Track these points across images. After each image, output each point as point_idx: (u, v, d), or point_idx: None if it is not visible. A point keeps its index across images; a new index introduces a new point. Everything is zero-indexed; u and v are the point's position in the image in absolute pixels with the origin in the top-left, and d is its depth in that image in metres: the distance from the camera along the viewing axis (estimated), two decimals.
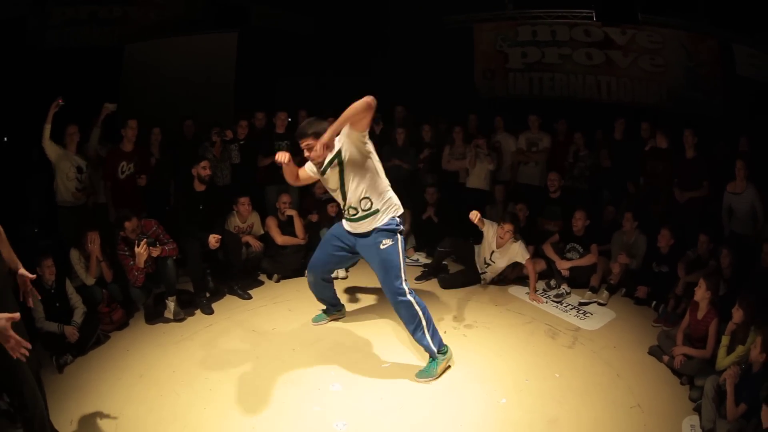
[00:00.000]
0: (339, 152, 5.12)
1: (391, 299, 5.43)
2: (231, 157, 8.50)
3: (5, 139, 8.57)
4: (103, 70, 9.46)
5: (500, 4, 11.10)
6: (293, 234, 7.94)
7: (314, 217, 8.31)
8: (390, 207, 5.34)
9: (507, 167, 9.52)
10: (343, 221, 5.62)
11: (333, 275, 7.26)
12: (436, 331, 5.55)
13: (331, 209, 8.25)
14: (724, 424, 4.52)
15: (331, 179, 5.31)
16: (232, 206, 7.71)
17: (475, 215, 7.02)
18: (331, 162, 5.20)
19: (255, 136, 8.79)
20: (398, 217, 5.40)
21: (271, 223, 7.91)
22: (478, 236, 8.01)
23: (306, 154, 5.20)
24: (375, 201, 5.27)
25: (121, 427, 4.74)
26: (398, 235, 5.39)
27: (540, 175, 9.26)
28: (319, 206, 8.40)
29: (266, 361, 5.74)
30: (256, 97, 10.20)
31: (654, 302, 7.08)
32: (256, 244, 7.75)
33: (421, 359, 5.73)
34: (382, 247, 5.32)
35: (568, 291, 7.48)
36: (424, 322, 5.40)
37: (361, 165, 5.14)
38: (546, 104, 10.56)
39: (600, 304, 7.22)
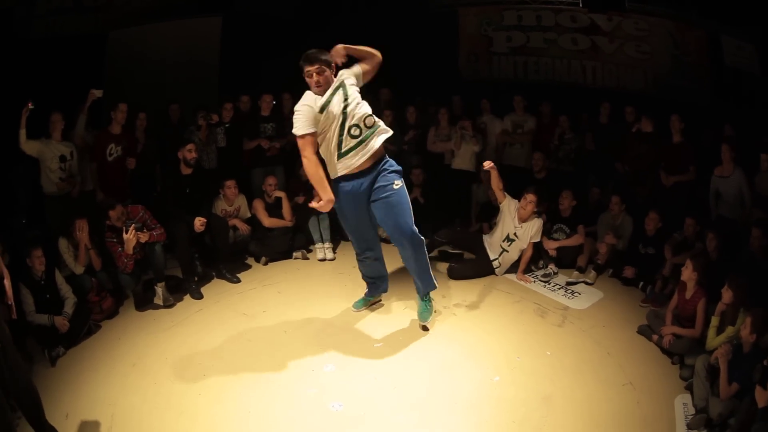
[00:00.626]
0: (342, 82, 5.29)
1: (404, 240, 5.52)
2: (217, 140, 8.45)
3: None
4: (88, 58, 9.36)
5: None
6: (280, 216, 7.93)
7: (300, 199, 8.26)
8: (381, 127, 5.45)
9: (492, 149, 9.52)
10: (340, 169, 5.43)
11: (321, 256, 7.27)
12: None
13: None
14: (717, 403, 4.58)
15: (335, 106, 5.24)
16: (219, 190, 7.68)
17: (488, 163, 7.02)
18: (335, 90, 5.27)
19: (240, 119, 8.74)
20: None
21: (258, 206, 7.89)
22: (465, 218, 8.05)
23: (314, 80, 5.22)
24: (376, 120, 5.39)
25: (116, 417, 4.74)
26: (401, 175, 5.55)
27: (525, 157, 9.26)
28: (306, 188, 8.37)
29: (258, 345, 5.75)
30: (240, 81, 10.12)
31: (641, 283, 7.13)
32: (244, 227, 7.73)
33: (411, 338, 5.82)
34: (395, 187, 5.43)
35: (556, 271, 7.52)
36: (427, 257, 5.74)
37: (357, 91, 5.37)
38: (531, 88, 10.51)
39: (587, 283, 7.27)
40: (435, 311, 6.10)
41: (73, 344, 5.83)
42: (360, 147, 5.34)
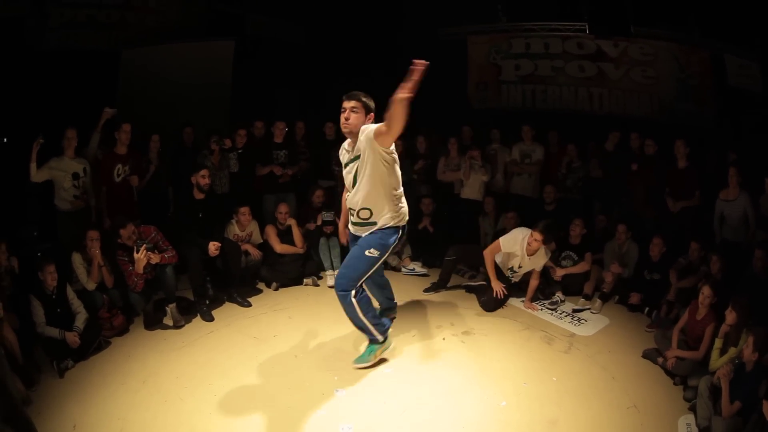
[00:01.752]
0: (360, 157, 5.13)
1: (337, 292, 5.45)
2: (229, 165, 8.54)
3: (5, 140, 8.58)
4: (101, 74, 9.52)
5: (494, 17, 11.20)
6: (292, 243, 8.02)
7: (312, 226, 8.37)
8: (389, 224, 5.36)
9: (500, 178, 9.60)
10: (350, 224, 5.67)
11: (331, 283, 7.48)
12: (378, 321, 5.70)
13: (327, 230, 8.23)
14: (719, 421, 4.63)
15: (347, 177, 5.40)
16: (231, 215, 7.77)
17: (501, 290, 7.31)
18: (352, 160, 5.26)
19: (253, 144, 8.84)
20: (401, 228, 5.46)
21: (270, 232, 7.98)
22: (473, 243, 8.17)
23: (344, 115, 5.11)
24: (375, 214, 5.33)
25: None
26: (387, 252, 5.44)
27: (533, 187, 9.36)
28: (316, 215, 8.47)
29: (269, 368, 5.80)
30: (253, 106, 10.25)
31: (647, 309, 7.20)
32: (255, 253, 7.81)
33: (420, 364, 5.89)
34: (367, 254, 5.33)
35: (563, 299, 7.59)
36: (368, 323, 5.55)
37: (374, 175, 5.13)
38: (539, 116, 10.64)
39: (592, 312, 7.32)
40: (381, 351, 5.86)
41: (83, 358, 5.89)
42: (357, 227, 5.51)
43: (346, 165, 5.37)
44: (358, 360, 5.78)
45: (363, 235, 5.46)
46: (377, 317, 5.73)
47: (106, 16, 9.72)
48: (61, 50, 9.25)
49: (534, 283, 7.49)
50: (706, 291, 5.77)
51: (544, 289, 7.79)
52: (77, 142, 7.31)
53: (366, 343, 5.85)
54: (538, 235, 7.13)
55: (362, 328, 5.62)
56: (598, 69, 10.61)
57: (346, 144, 5.41)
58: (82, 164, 7.37)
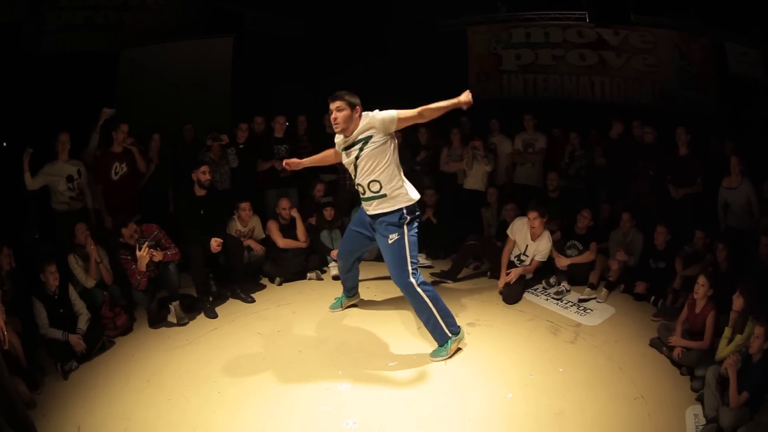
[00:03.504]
0: (366, 140, 5.38)
1: (401, 290, 5.75)
2: (229, 161, 8.53)
3: (4, 144, 8.57)
4: (99, 76, 9.51)
5: (493, 7, 11.18)
6: (294, 237, 7.99)
7: (313, 220, 8.36)
8: (399, 195, 5.55)
9: (502, 170, 9.59)
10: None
11: (335, 273, 7.56)
12: (448, 313, 5.85)
13: (327, 213, 8.30)
14: (727, 412, 4.59)
15: (348, 159, 5.59)
16: (233, 211, 7.75)
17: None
18: (353, 145, 5.46)
19: (254, 140, 8.81)
20: (406, 208, 5.57)
21: (273, 227, 7.95)
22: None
23: (332, 117, 5.43)
24: (384, 186, 5.49)
25: (130, 431, 4.77)
26: (404, 227, 5.58)
27: (537, 176, 9.35)
28: (318, 209, 8.44)
29: (273, 363, 5.78)
30: (253, 102, 10.22)
31: (653, 297, 7.17)
32: (258, 248, 7.80)
33: (424, 357, 5.85)
34: (389, 242, 5.59)
35: (568, 288, 7.55)
36: (435, 311, 5.70)
37: (380, 155, 5.38)
38: (540, 105, 10.61)
39: (598, 301, 7.29)
40: (456, 343, 5.92)
41: (87, 359, 5.88)
42: (368, 201, 5.66)
43: (346, 148, 5.57)
44: (435, 353, 5.82)
45: (376, 212, 5.62)
46: (448, 312, 5.85)
47: (103, 17, 9.71)
48: (59, 53, 9.23)
49: (528, 268, 7.48)
50: (702, 280, 5.75)
51: (549, 278, 7.75)
52: (71, 146, 7.29)
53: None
54: (532, 213, 7.27)
55: (433, 324, 5.75)
56: (599, 57, 10.58)
57: (338, 137, 5.71)
58: (77, 166, 7.34)
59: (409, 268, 5.62)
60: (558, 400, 5.13)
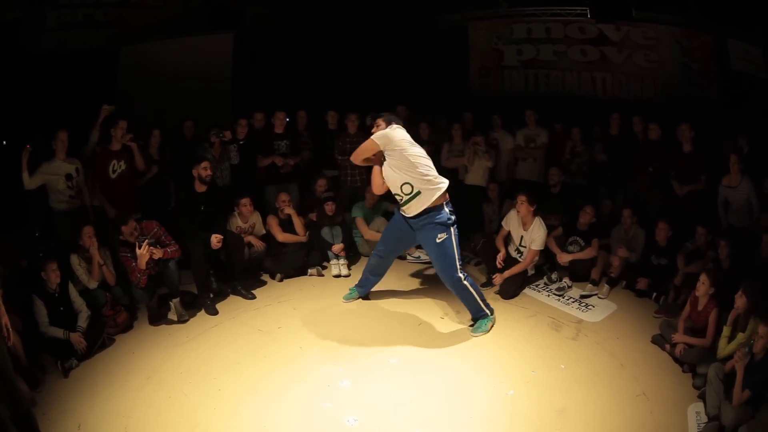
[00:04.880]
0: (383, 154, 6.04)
1: (450, 286, 6.30)
2: (230, 157, 8.49)
3: (4, 142, 8.55)
4: (100, 73, 9.48)
5: (495, 3, 11.14)
6: (294, 232, 7.98)
7: (314, 216, 8.34)
8: (432, 186, 5.99)
9: (504, 165, 9.57)
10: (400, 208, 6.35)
11: (336, 272, 7.62)
12: (484, 298, 6.45)
13: (328, 208, 8.27)
14: (729, 410, 4.58)
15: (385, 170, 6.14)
16: (233, 207, 7.72)
17: (502, 258, 7.52)
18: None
19: (254, 136, 8.79)
20: (446, 204, 6.11)
21: (272, 222, 7.94)
22: (476, 231, 8.17)
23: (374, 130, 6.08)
24: (415, 184, 5.94)
25: (130, 430, 4.75)
26: (452, 228, 6.10)
27: (538, 171, 9.32)
28: (319, 205, 8.42)
29: (274, 360, 5.77)
30: (254, 98, 10.20)
31: (654, 294, 7.13)
32: (259, 244, 7.77)
33: (426, 353, 5.86)
34: (438, 240, 6.06)
35: (570, 284, 7.53)
36: (479, 301, 6.32)
37: (397, 162, 5.93)
38: (542, 101, 10.57)
39: (600, 297, 7.27)
40: (493, 321, 6.47)
41: (87, 357, 5.86)
42: (408, 204, 6.11)
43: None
44: (475, 329, 6.34)
45: (418, 211, 6.06)
46: (483, 296, 6.46)
47: (103, 14, 9.68)
48: (59, 51, 9.21)
49: (524, 263, 7.44)
50: (703, 278, 5.74)
51: (550, 275, 7.73)
52: (69, 144, 7.24)
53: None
54: (521, 197, 7.37)
55: (476, 308, 6.36)
56: (601, 53, 10.55)
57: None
58: (75, 164, 7.29)
59: (458, 264, 6.13)
60: (560, 397, 5.12)
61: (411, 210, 6.09)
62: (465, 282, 6.18)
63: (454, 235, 6.10)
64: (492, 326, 6.40)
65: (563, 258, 7.66)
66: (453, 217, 6.12)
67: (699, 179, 7.72)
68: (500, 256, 7.50)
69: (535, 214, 7.38)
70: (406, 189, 5.98)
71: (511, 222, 7.58)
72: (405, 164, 5.88)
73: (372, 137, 5.97)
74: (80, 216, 7.26)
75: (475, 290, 6.29)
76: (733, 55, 9.16)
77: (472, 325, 6.42)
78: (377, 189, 6.38)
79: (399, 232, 6.51)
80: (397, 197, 6.14)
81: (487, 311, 6.39)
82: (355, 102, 9.21)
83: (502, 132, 9.60)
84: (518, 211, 7.41)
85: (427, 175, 5.95)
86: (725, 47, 9.25)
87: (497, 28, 11.39)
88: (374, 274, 7.03)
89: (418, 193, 5.96)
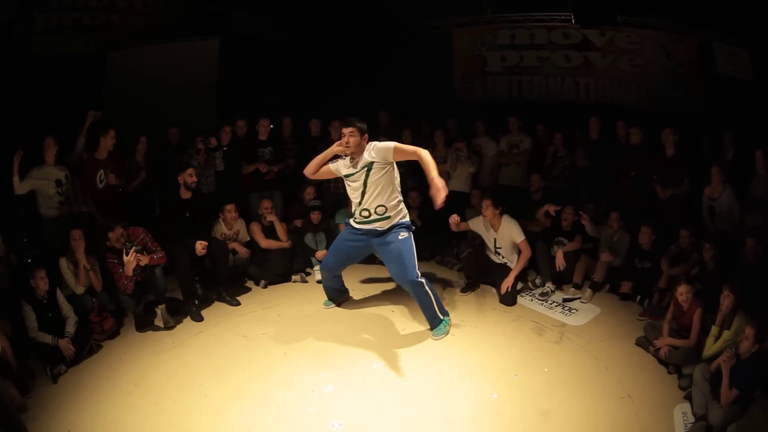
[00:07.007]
0: (371, 164, 5.88)
1: (407, 287, 6.26)
2: (215, 164, 8.51)
3: None
4: (87, 77, 9.49)
5: (479, 9, 11.19)
6: (277, 238, 7.99)
7: (299, 223, 8.37)
8: (399, 213, 6.16)
9: (487, 171, 9.58)
10: (352, 222, 6.39)
11: (319, 279, 7.53)
12: (440, 302, 6.48)
13: (314, 216, 8.29)
14: (717, 409, 4.64)
15: (355, 183, 6.08)
16: (218, 213, 7.73)
17: (455, 223, 7.43)
18: (361, 169, 5.95)
19: (237, 143, 8.78)
20: (407, 224, 6.24)
21: (255, 228, 7.96)
22: (460, 238, 8.19)
23: (343, 140, 5.92)
24: (389, 208, 6.06)
25: None
26: (411, 232, 6.22)
27: (521, 177, 9.33)
28: (304, 213, 8.44)
29: (259, 366, 5.79)
30: (239, 104, 10.20)
31: (638, 297, 7.19)
32: (243, 251, 7.77)
33: (410, 358, 5.89)
34: (401, 237, 6.11)
35: (553, 289, 7.56)
36: (434, 302, 6.29)
37: (387, 181, 5.95)
38: (525, 107, 10.60)
39: (582, 302, 7.31)
40: (449, 324, 6.50)
41: (75, 363, 5.87)
42: (368, 222, 6.18)
43: (348, 176, 6.12)
44: (436, 332, 6.35)
45: (378, 228, 6.16)
46: (440, 299, 6.49)
47: (91, 19, 9.72)
48: (47, 55, 9.21)
49: (524, 256, 7.43)
50: (681, 289, 5.81)
51: (534, 279, 7.79)
52: (58, 149, 7.25)
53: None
54: (486, 202, 7.47)
55: (431, 313, 6.34)
56: (585, 58, 10.59)
57: (347, 161, 6.09)
58: (64, 171, 7.32)
59: (416, 263, 6.13)
60: (544, 400, 5.15)
61: (373, 227, 6.19)
62: (425, 286, 6.20)
63: (412, 239, 6.22)
64: (450, 327, 6.46)
65: (558, 260, 7.64)
66: (413, 226, 6.34)
67: (682, 183, 7.77)
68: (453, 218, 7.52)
69: (501, 214, 7.46)
70: (380, 210, 6.06)
71: (479, 228, 7.66)
72: (389, 187, 5.99)
73: (397, 143, 5.85)
74: (70, 223, 7.24)
75: (432, 294, 6.27)
76: (720, 59, 9.22)
77: (431, 329, 6.43)
78: (310, 172, 6.35)
79: (352, 245, 6.51)
80: (364, 213, 6.15)
81: (442, 315, 6.40)
82: (338, 109, 9.22)
83: (485, 138, 9.63)
84: (485, 215, 7.46)
85: (400, 203, 6.17)
86: (711, 51, 9.31)
87: (481, 35, 11.39)
88: (333, 283, 7.09)
89: (387, 217, 6.10)
